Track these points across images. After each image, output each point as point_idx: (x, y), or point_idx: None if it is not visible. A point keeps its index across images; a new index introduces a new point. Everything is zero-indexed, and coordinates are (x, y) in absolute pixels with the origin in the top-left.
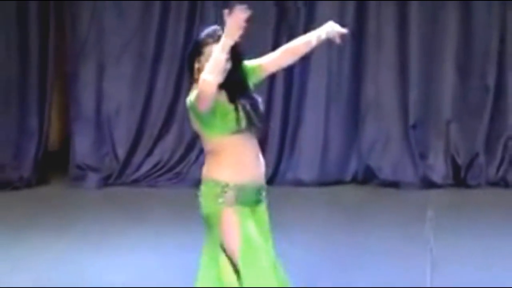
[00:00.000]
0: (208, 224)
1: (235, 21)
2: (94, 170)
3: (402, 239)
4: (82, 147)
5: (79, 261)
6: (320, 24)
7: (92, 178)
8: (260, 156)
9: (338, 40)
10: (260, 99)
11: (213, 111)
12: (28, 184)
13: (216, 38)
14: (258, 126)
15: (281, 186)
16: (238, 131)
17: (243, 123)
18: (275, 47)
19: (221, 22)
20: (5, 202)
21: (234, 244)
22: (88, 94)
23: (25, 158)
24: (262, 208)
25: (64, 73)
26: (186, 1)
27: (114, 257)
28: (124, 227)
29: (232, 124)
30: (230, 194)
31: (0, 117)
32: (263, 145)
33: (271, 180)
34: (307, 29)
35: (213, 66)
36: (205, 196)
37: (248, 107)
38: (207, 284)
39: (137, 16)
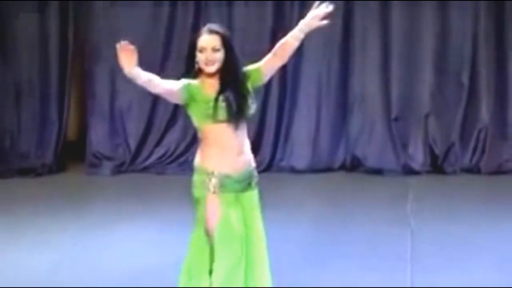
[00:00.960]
0: (196, 207)
1: (123, 54)
2: (108, 158)
3: (386, 219)
4: (98, 138)
5: (95, 241)
6: None
7: (107, 165)
8: (246, 148)
9: (324, 22)
10: (252, 101)
11: (193, 99)
12: (49, 171)
13: (207, 31)
14: (234, 119)
15: (277, 173)
16: (218, 121)
17: (221, 114)
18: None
19: (227, 21)
20: (29, 187)
21: (213, 225)
22: (103, 90)
23: (46, 148)
24: (250, 195)
25: (81, 71)
26: (192, 2)
27: (126, 237)
28: (135, 210)
29: (209, 113)
30: (214, 181)
31: (24, 110)
32: (258, 138)
33: (268, 167)
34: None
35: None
36: (195, 182)
37: (230, 99)
38: (193, 265)
39: (147, 19)
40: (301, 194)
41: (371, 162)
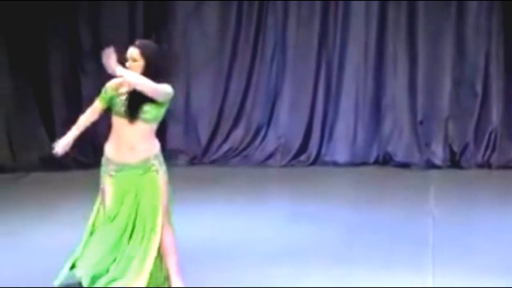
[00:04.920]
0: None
1: (106, 60)
2: (183, 152)
3: (411, 206)
4: (175, 135)
5: (176, 215)
6: None
7: (182, 158)
8: (142, 145)
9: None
10: (150, 108)
11: (112, 95)
12: None
13: (133, 44)
14: (128, 116)
15: (322, 166)
16: (117, 113)
17: (119, 107)
18: None
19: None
20: None
21: (107, 206)
22: (179, 95)
23: None
24: (144, 183)
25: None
26: (253, 24)
27: (200, 214)
28: (206, 194)
29: (112, 103)
30: (110, 167)
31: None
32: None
33: (314, 161)
34: None
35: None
36: (101, 165)
37: (130, 99)
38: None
39: (215, 35)
40: (341, 184)
41: (399, 157)
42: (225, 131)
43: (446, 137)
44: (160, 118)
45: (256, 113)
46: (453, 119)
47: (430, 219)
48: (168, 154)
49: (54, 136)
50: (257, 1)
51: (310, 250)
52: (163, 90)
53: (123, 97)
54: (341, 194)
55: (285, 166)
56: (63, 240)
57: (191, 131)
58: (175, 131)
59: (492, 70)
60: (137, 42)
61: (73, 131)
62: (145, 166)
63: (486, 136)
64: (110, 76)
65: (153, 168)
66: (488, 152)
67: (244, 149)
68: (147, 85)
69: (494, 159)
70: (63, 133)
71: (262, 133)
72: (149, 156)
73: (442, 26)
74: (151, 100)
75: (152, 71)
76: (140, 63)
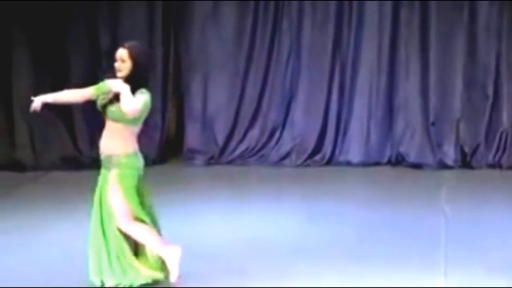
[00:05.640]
0: None
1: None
2: (201, 153)
3: (423, 205)
4: (192, 136)
5: (193, 215)
6: None
7: (199, 158)
8: (113, 140)
9: None
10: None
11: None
12: (153, 163)
13: (121, 45)
14: (103, 112)
15: (336, 166)
16: (103, 112)
17: (99, 104)
18: None
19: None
20: None
21: None
22: (196, 97)
23: (151, 144)
24: (107, 175)
25: (179, 82)
26: (269, 26)
27: (218, 212)
28: (223, 194)
29: (98, 98)
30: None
31: None
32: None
33: (328, 161)
34: None
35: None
36: None
37: (108, 97)
38: None
39: (232, 40)
40: (355, 184)
41: (412, 158)
42: (241, 132)
43: (457, 138)
44: (132, 122)
45: (271, 114)
46: (464, 120)
47: (442, 218)
48: (185, 155)
49: (75, 135)
50: (272, 3)
51: (324, 248)
52: (132, 107)
53: (109, 98)
54: (355, 194)
55: (300, 166)
56: (81, 238)
57: (208, 132)
58: (192, 132)
59: (503, 72)
60: (126, 43)
61: (53, 96)
62: (108, 163)
63: (497, 137)
64: None
65: (112, 165)
66: (499, 153)
67: (260, 149)
68: (127, 101)
69: (504, 160)
70: (83, 132)
71: (277, 134)
72: (113, 154)
73: (453, 28)
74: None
75: (138, 72)
76: (128, 64)
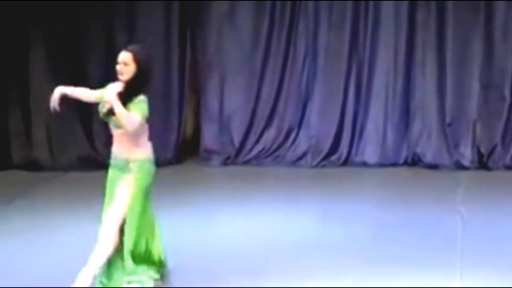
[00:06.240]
0: None
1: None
2: (217, 153)
3: (440, 206)
4: (209, 136)
5: (209, 214)
6: None
7: (216, 159)
8: (117, 144)
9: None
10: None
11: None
12: (170, 162)
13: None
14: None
15: (352, 167)
16: (105, 117)
17: (101, 112)
18: None
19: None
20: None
21: None
22: (213, 98)
23: (168, 144)
24: (123, 177)
25: (196, 83)
26: (286, 27)
27: (234, 212)
28: (239, 194)
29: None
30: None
31: (151, 116)
32: (337, 138)
33: (345, 162)
34: None
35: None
36: None
37: (110, 109)
38: None
39: (248, 41)
40: (371, 184)
41: (428, 159)
42: (257, 132)
43: (474, 139)
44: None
45: (288, 115)
46: (481, 121)
47: (459, 219)
48: (202, 155)
49: (91, 135)
50: (289, 3)
51: (340, 249)
52: (130, 121)
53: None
54: (371, 194)
55: (316, 166)
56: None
57: (225, 132)
58: (209, 132)
59: None
60: (130, 47)
61: (71, 89)
62: (122, 166)
63: None
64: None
65: (128, 169)
66: None
67: (276, 149)
68: (123, 118)
69: None
70: (100, 133)
71: (293, 134)
72: (128, 158)
73: (470, 29)
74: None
75: (141, 76)
76: (131, 67)
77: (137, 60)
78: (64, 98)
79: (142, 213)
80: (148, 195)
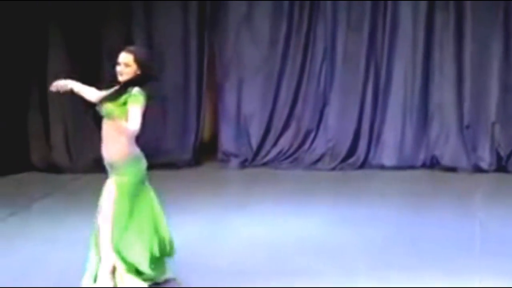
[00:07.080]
0: None
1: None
2: (235, 155)
3: (458, 209)
4: (227, 139)
5: (227, 216)
6: None
7: (234, 161)
8: (111, 144)
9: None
10: (110, 107)
11: None
12: (188, 165)
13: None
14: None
15: (370, 169)
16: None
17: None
18: None
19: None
20: (172, 177)
21: None
22: (231, 100)
23: (186, 146)
24: (112, 179)
25: (214, 85)
26: (304, 30)
27: (252, 215)
28: (257, 196)
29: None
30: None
31: (170, 119)
32: (355, 141)
33: (362, 164)
34: None
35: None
36: None
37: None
38: None
39: (266, 42)
40: (389, 188)
41: (446, 161)
42: (275, 135)
43: (492, 141)
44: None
45: (305, 118)
46: (500, 123)
47: (477, 222)
48: (220, 157)
49: None
50: (307, 6)
51: (358, 251)
52: (133, 130)
53: (103, 101)
54: (389, 197)
55: (333, 169)
56: None
57: (243, 135)
58: (227, 135)
59: None
60: (131, 47)
61: (80, 87)
62: (113, 166)
63: None
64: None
65: (117, 171)
66: None
67: (294, 152)
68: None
69: None
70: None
71: (311, 137)
72: (117, 159)
73: (489, 31)
74: (113, 100)
75: (141, 77)
76: (133, 68)
77: (138, 61)
78: (69, 92)
79: (130, 213)
80: (138, 193)
